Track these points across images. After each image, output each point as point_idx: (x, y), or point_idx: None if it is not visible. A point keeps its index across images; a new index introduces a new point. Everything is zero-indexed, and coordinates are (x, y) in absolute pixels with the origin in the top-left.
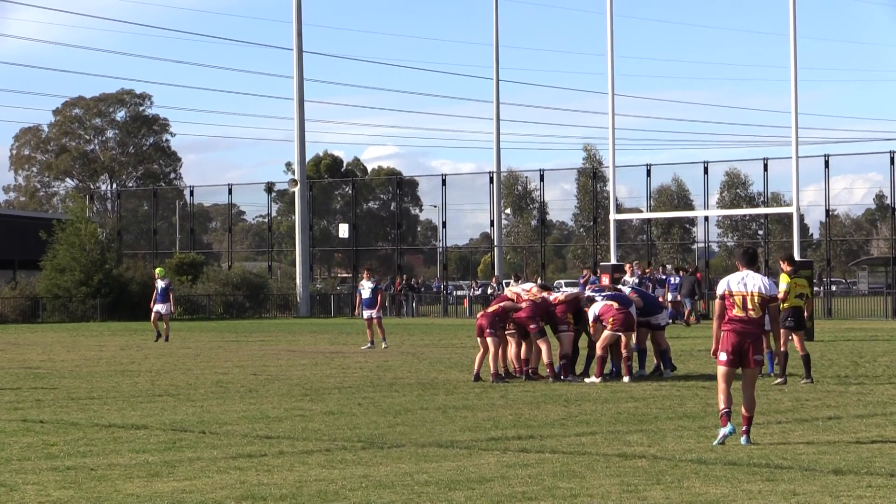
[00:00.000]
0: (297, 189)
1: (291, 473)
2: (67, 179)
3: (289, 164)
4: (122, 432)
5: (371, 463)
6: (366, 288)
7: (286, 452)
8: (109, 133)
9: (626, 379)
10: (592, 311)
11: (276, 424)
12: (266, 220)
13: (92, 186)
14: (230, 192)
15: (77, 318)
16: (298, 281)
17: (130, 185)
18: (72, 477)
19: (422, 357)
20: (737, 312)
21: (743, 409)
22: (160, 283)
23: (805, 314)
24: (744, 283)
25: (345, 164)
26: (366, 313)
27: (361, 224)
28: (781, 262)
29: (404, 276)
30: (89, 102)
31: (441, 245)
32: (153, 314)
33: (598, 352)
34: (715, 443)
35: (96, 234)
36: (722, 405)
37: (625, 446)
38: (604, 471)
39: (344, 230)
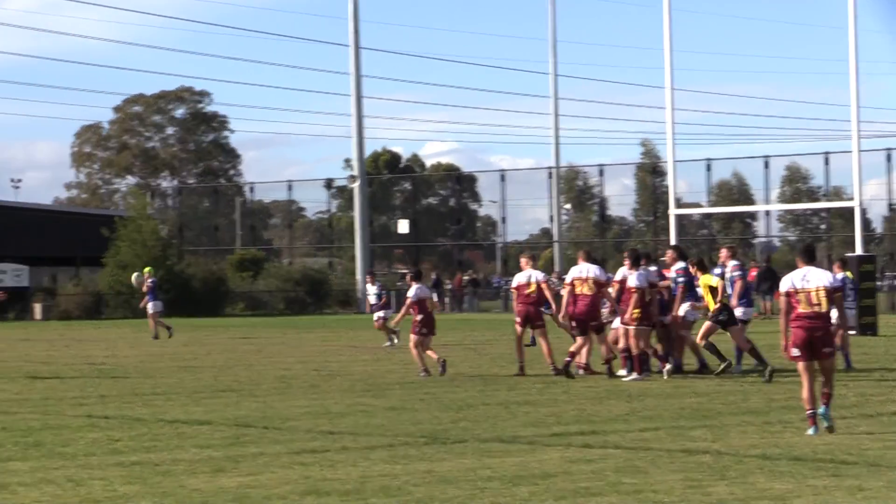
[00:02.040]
0: (356, 185)
1: (355, 469)
2: (128, 176)
3: (348, 161)
4: (187, 428)
5: (434, 458)
6: (371, 293)
7: (349, 448)
8: (169, 130)
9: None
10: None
11: (339, 420)
12: (326, 216)
13: (153, 183)
14: (290, 188)
15: (139, 314)
16: (358, 277)
17: (191, 181)
18: (137, 472)
19: (483, 353)
20: (803, 308)
21: (823, 388)
22: (150, 282)
23: None
24: (806, 280)
25: (403, 160)
26: (378, 314)
27: (421, 220)
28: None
29: (466, 272)
30: (149, 100)
31: (501, 240)
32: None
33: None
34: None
35: (157, 230)
36: (806, 406)
37: (688, 441)
38: (667, 466)
39: (404, 226)
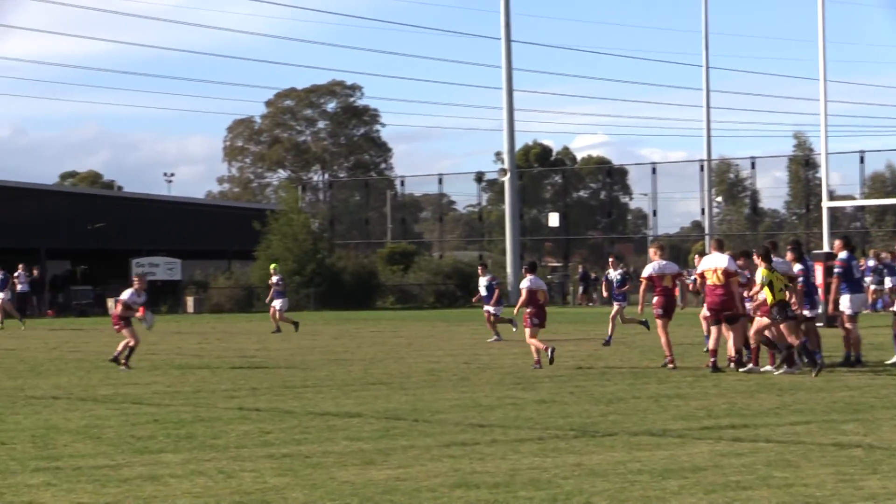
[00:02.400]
0: (506, 178)
1: (504, 461)
2: (280, 170)
3: (498, 154)
4: (337, 420)
5: (584, 451)
6: (481, 285)
7: (499, 441)
8: (321, 124)
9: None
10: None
11: (489, 413)
12: (476, 209)
13: (304, 177)
14: (440, 181)
15: (290, 307)
16: (509, 270)
17: (342, 175)
18: (287, 464)
19: (633, 345)
20: None
21: None
22: (276, 279)
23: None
24: None
25: (554, 153)
26: (488, 308)
27: (571, 213)
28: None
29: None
30: (301, 94)
31: (651, 233)
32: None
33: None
34: None
35: (309, 224)
36: None
37: (840, 435)
38: (819, 460)
39: (554, 219)
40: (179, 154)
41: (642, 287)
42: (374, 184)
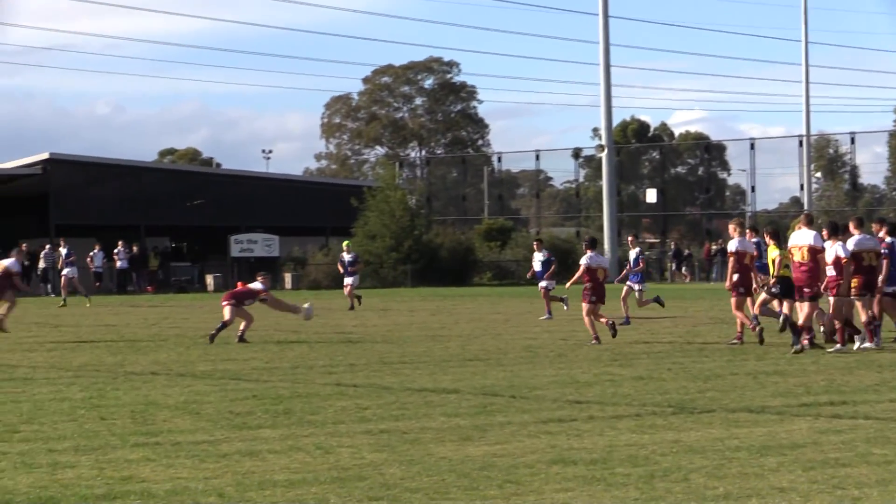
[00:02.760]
0: (604, 154)
1: (601, 438)
2: (377, 147)
3: (595, 130)
4: (434, 396)
5: (681, 428)
6: (536, 260)
7: (596, 417)
8: (418, 101)
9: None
10: None
11: (586, 389)
12: (574, 185)
13: (401, 153)
14: (537, 157)
15: (388, 283)
16: (606, 246)
17: (439, 151)
18: (385, 440)
19: (732, 322)
20: None
21: None
22: (349, 257)
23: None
24: None
25: (652, 129)
26: (541, 284)
27: (669, 189)
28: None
29: (715, 241)
30: (398, 70)
31: (750, 209)
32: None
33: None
34: None
35: (406, 200)
36: None
37: None
38: None
39: (652, 195)
40: (277, 131)
41: (731, 263)
42: (471, 160)
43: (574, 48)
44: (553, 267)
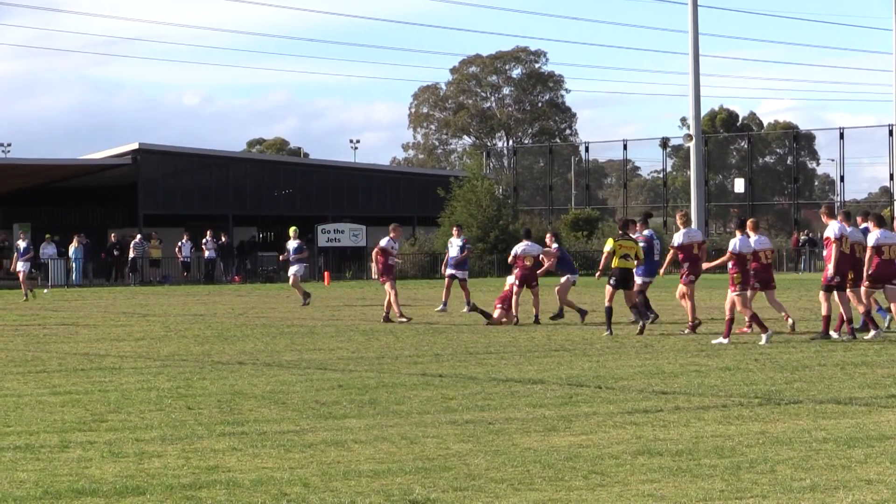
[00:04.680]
0: (692, 144)
1: (687, 429)
2: (465, 137)
3: (683, 119)
4: (519, 387)
5: (768, 419)
6: (454, 245)
7: (682, 408)
8: (505, 90)
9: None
10: None
11: (672, 380)
12: (661, 175)
13: (489, 143)
14: (625, 147)
15: (474, 273)
16: None
17: (526, 141)
18: (470, 430)
19: (819, 313)
20: None
21: None
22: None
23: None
24: None
25: (740, 119)
26: (449, 271)
27: (757, 178)
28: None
29: (803, 231)
30: (486, 60)
31: (839, 199)
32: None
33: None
34: None
35: (493, 190)
36: None
37: None
38: None
39: (739, 185)
40: (365, 121)
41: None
42: (558, 150)
43: (662, 37)
44: (466, 253)
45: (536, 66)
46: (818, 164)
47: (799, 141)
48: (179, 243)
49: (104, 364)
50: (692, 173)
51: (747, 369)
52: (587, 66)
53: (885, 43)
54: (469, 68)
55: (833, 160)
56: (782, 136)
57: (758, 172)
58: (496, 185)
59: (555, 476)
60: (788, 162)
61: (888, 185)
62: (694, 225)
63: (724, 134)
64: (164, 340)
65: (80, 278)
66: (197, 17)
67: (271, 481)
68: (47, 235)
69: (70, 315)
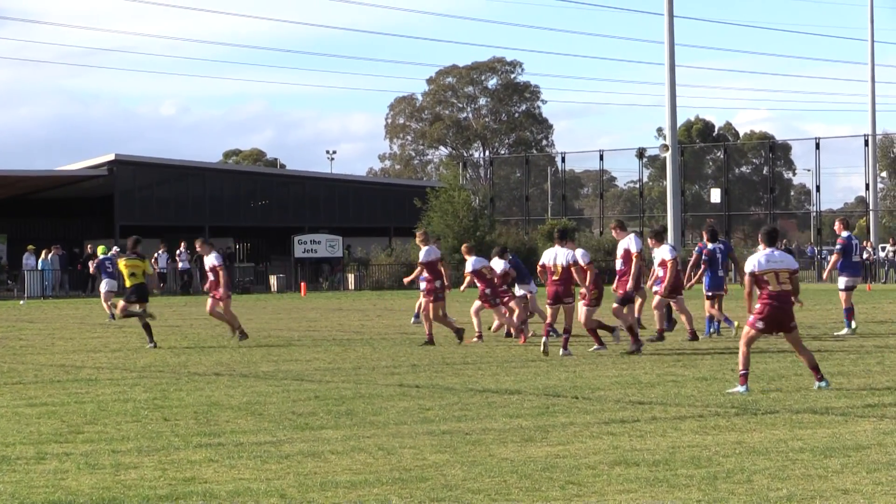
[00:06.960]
0: (668, 154)
1: (664, 439)
2: (441, 147)
3: (660, 130)
4: (496, 397)
5: (744, 429)
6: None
7: (659, 418)
8: (482, 101)
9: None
10: None
11: (649, 390)
12: (637, 185)
13: (465, 154)
14: (601, 157)
15: (452, 283)
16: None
17: (502, 152)
18: (447, 441)
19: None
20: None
21: None
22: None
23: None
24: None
25: (716, 129)
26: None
27: (733, 189)
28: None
29: (781, 241)
30: (462, 71)
31: (815, 209)
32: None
33: None
34: None
35: (469, 200)
36: None
37: None
38: None
39: (716, 195)
40: (341, 132)
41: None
42: (534, 160)
43: (638, 48)
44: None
45: (512, 76)
46: (794, 175)
47: (775, 151)
48: (156, 254)
49: (80, 375)
50: (668, 184)
51: (724, 379)
52: (563, 76)
53: (860, 53)
54: (445, 79)
55: (809, 170)
56: (758, 147)
57: (734, 183)
58: (473, 196)
59: (532, 486)
60: (764, 172)
61: (864, 194)
62: (670, 236)
63: (700, 144)
64: (140, 352)
65: (52, 289)
66: (173, 28)
67: (248, 493)
68: (29, 247)
69: (46, 326)
